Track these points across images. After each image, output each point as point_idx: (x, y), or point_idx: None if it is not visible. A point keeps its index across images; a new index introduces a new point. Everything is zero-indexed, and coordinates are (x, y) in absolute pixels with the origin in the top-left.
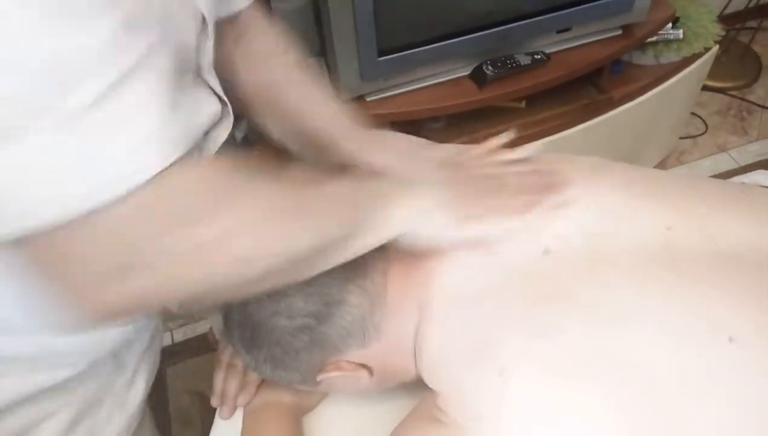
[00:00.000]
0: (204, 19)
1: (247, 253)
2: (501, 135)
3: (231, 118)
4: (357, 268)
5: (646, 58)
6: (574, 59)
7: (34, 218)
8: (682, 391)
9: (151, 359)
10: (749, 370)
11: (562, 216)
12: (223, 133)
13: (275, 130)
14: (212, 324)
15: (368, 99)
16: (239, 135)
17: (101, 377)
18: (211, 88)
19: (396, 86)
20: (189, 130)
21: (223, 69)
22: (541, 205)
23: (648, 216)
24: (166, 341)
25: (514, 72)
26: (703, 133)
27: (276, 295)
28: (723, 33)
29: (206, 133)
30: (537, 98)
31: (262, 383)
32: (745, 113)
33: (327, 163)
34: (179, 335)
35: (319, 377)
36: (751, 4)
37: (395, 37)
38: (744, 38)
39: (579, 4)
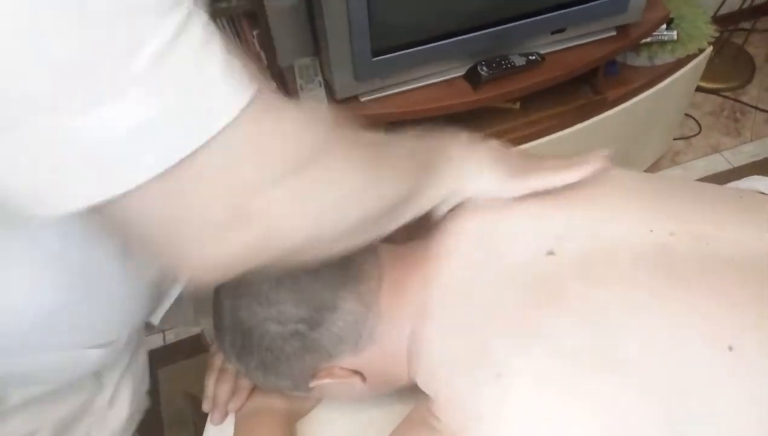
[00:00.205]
0: None
1: (342, 202)
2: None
3: None
4: (350, 274)
5: (641, 60)
6: (569, 60)
7: (136, 171)
8: (682, 400)
9: (135, 376)
10: (749, 379)
11: (565, 218)
12: None
13: None
14: (204, 327)
15: (362, 99)
16: None
17: (79, 395)
18: None
19: (390, 87)
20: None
21: None
22: (583, 169)
23: (648, 221)
24: (158, 342)
25: (508, 73)
26: (696, 134)
27: (267, 301)
28: (717, 34)
29: None
30: (531, 99)
31: (255, 387)
32: (738, 114)
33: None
34: (171, 336)
35: (312, 384)
36: (745, 5)
37: (389, 37)
38: (737, 39)
39: (574, 5)
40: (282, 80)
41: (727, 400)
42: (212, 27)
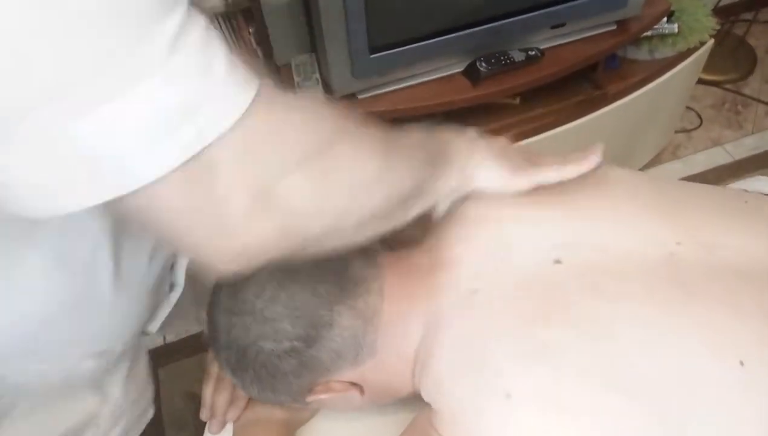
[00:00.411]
0: None
1: (359, 188)
2: None
3: None
4: (347, 289)
5: (641, 53)
6: (569, 55)
7: (155, 164)
8: (692, 420)
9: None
10: (762, 395)
11: (572, 225)
12: None
13: None
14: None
15: (360, 97)
16: None
17: (82, 407)
18: None
19: (388, 84)
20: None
21: None
22: (583, 164)
23: (656, 230)
24: (159, 341)
25: (508, 68)
26: (697, 127)
27: (262, 319)
28: (718, 26)
29: None
30: (531, 95)
31: None
32: (740, 107)
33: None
34: (171, 335)
35: (309, 399)
36: None
37: (387, 34)
38: (738, 31)
39: (573, 0)
40: (279, 78)
41: (739, 417)
42: (212, 26)
